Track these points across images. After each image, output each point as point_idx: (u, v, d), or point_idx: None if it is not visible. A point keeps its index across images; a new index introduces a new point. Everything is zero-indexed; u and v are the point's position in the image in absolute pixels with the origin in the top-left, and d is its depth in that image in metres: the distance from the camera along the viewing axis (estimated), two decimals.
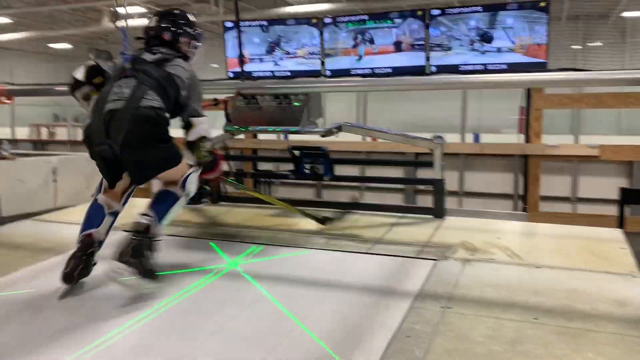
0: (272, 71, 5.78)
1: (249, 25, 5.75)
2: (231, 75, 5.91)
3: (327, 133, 3.30)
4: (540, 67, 4.81)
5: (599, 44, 16.66)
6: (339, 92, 5.07)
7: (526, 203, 5.06)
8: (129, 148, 2.32)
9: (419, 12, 5.11)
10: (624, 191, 4.08)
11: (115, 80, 2.45)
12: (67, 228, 3.83)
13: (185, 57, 2.68)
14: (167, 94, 2.47)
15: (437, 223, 3.69)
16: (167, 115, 2.44)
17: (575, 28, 17.37)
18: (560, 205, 7.08)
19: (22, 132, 12.79)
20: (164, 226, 2.54)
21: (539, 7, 4.63)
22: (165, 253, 2.71)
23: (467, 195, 7.42)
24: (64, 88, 3.47)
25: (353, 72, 5.48)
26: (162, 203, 2.53)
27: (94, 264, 2.54)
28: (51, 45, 19.49)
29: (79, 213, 4.49)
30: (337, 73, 5.57)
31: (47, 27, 17.78)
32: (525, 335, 2.04)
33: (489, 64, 4.93)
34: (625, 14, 16.56)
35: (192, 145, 2.76)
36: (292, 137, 4.76)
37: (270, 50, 5.70)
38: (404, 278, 2.67)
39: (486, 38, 4.87)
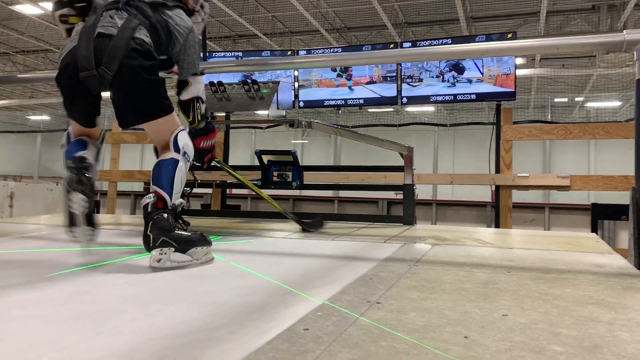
0: None
1: (224, 56, 5.81)
2: None
3: (296, 123, 3.21)
4: (509, 96, 4.91)
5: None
6: (309, 68, 4.89)
7: None
8: (123, 80, 2.09)
9: (391, 45, 5.25)
10: (595, 207, 4.03)
11: (105, 10, 2.29)
12: (18, 226, 3.57)
13: (189, 11, 2.55)
14: (159, 39, 2.30)
15: (407, 227, 3.55)
16: (157, 57, 2.26)
17: (542, 116, 18.31)
18: None
19: None
20: (178, 195, 2.15)
21: (506, 39, 4.79)
22: (105, 240, 2.53)
23: None
24: (26, 75, 3.39)
25: (326, 102, 5.52)
26: (161, 173, 2.13)
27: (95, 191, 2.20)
28: (29, 117, 19.48)
29: (35, 219, 4.27)
30: (311, 104, 5.60)
31: (27, 97, 17.88)
32: (499, 279, 1.87)
33: (459, 94, 5.02)
34: (589, 104, 17.60)
35: (186, 106, 2.49)
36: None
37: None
38: (370, 252, 2.50)
39: (457, 69, 4.98)
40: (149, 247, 1.98)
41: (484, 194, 9.84)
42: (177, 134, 2.20)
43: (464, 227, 3.77)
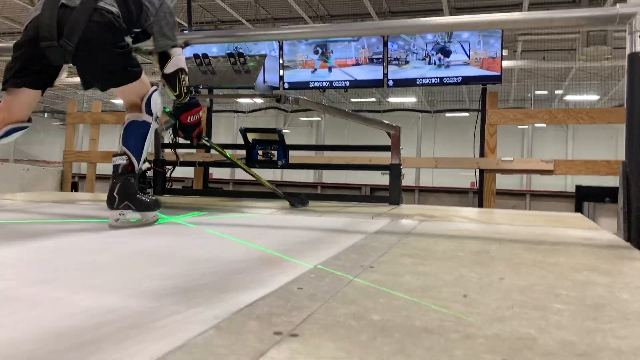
0: None
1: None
2: None
3: (283, 98, 3.15)
4: (495, 80, 4.89)
5: (543, 125, 17.68)
6: (295, 39, 4.89)
7: None
8: (85, 51, 2.09)
9: None
10: (579, 189, 4.05)
11: None
12: None
13: None
14: (128, 10, 2.23)
15: (394, 206, 3.52)
16: (124, 27, 2.21)
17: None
18: None
19: None
20: (145, 159, 2.35)
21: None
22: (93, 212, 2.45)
23: None
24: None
25: (311, 84, 5.45)
26: (133, 136, 2.28)
27: None
28: None
29: (11, 195, 4.13)
30: (295, 85, 5.51)
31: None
32: (491, 249, 1.85)
33: (445, 77, 4.99)
34: (568, 97, 17.84)
35: (171, 80, 2.46)
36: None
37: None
38: (359, 226, 2.45)
39: (444, 52, 4.95)
40: (112, 206, 2.15)
41: (463, 182, 9.91)
42: (150, 96, 2.28)
43: (451, 207, 3.75)
